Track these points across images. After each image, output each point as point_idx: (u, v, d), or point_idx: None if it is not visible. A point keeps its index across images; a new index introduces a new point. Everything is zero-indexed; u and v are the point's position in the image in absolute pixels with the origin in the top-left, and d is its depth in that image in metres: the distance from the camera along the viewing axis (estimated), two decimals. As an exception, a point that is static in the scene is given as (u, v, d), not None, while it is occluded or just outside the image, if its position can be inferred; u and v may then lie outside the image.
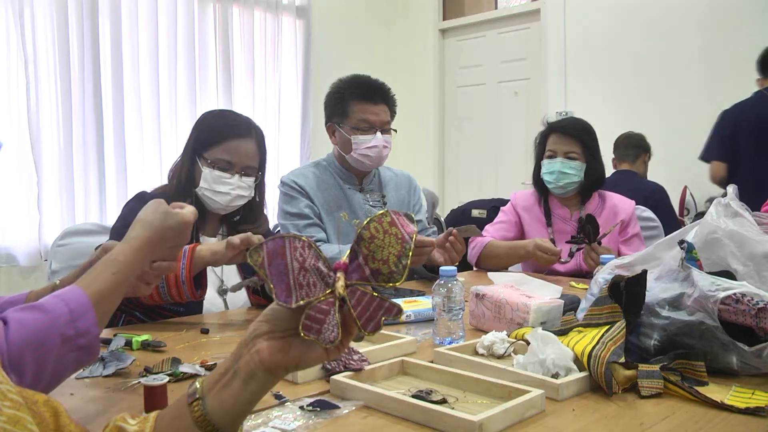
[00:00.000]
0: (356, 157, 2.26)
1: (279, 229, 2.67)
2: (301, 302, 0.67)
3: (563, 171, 2.42)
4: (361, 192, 2.34)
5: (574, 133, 2.45)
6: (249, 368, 0.68)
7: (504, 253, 2.42)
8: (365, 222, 0.68)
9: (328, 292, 0.67)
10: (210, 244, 1.63)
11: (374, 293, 0.66)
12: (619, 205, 2.49)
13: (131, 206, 1.78)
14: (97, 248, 1.25)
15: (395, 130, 2.33)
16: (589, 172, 2.43)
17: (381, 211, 0.69)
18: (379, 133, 2.25)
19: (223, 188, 1.79)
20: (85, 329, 0.89)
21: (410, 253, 0.66)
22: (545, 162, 2.47)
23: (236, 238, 1.55)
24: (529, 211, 2.55)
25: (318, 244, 2.11)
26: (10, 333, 0.82)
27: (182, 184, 1.81)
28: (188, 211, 1.11)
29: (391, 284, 0.66)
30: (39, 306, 0.87)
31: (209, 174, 1.78)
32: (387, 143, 2.27)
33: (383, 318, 0.65)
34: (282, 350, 0.68)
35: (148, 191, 1.87)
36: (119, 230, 1.71)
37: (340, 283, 0.66)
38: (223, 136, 1.80)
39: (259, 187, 1.90)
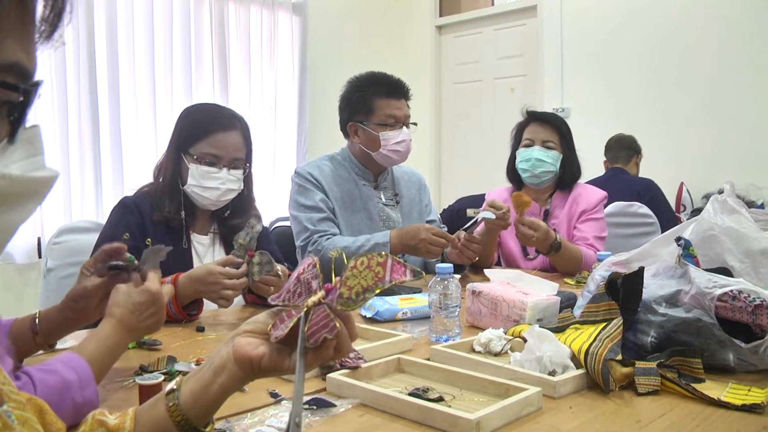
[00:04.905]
0: (385, 153, 2.23)
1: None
2: (279, 303, 0.75)
3: (540, 159, 2.38)
4: (375, 189, 2.32)
5: (552, 122, 2.44)
6: (221, 360, 0.72)
7: None
8: (359, 255, 0.73)
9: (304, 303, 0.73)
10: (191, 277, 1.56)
11: (331, 314, 0.70)
12: (582, 194, 2.45)
13: (116, 214, 1.75)
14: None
15: (415, 124, 2.32)
16: (565, 164, 2.41)
17: (381, 252, 0.73)
18: (404, 128, 2.25)
19: (211, 183, 1.75)
20: (89, 399, 0.93)
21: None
22: (521, 151, 2.44)
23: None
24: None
25: (329, 237, 2.12)
26: (37, 392, 0.86)
27: (168, 182, 1.78)
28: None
29: (344, 308, 0.70)
30: (54, 370, 0.91)
31: (196, 170, 1.75)
32: (410, 137, 2.27)
33: (323, 336, 0.69)
34: (251, 345, 0.72)
35: (131, 195, 1.82)
36: (106, 237, 1.70)
37: (312, 299, 0.72)
38: (207, 130, 1.77)
39: (247, 180, 1.85)
